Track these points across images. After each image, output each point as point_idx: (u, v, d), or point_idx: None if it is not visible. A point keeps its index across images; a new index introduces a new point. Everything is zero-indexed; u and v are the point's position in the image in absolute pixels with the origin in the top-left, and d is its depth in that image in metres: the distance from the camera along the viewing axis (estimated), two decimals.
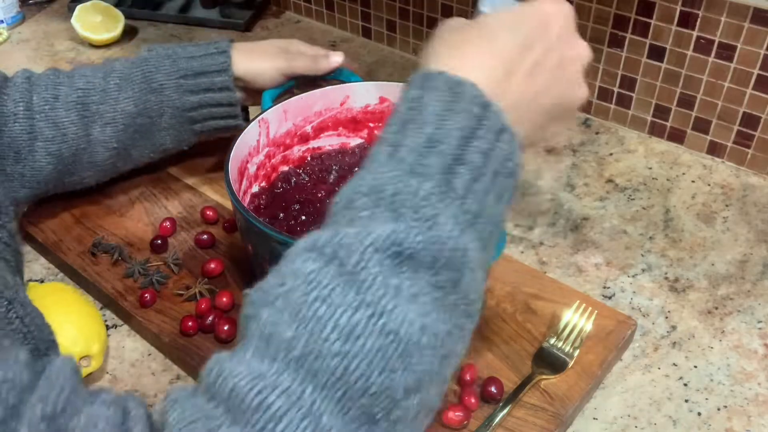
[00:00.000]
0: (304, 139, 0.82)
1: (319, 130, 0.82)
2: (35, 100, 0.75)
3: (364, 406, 0.34)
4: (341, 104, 0.82)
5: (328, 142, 0.84)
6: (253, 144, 0.76)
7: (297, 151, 0.82)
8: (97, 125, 0.77)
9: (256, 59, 0.80)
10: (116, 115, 0.77)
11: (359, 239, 0.36)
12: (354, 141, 0.84)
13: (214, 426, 0.34)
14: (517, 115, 0.41)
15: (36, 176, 0.76)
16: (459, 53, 0.42)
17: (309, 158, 0.82)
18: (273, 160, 0.80)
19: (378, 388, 0.34)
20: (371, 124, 0.83)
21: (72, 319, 0.66)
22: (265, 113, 0.77)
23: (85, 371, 0.65)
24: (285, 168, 0.81)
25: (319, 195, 0.76)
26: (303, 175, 0.80)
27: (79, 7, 1.22)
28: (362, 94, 0.82)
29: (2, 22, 1.28)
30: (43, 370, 0.35)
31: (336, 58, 0.83)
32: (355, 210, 0.38)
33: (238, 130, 0.81)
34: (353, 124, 0.83)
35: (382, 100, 0.82)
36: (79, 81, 0.77)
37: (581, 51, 0.46)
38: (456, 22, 0.45)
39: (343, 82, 0.83)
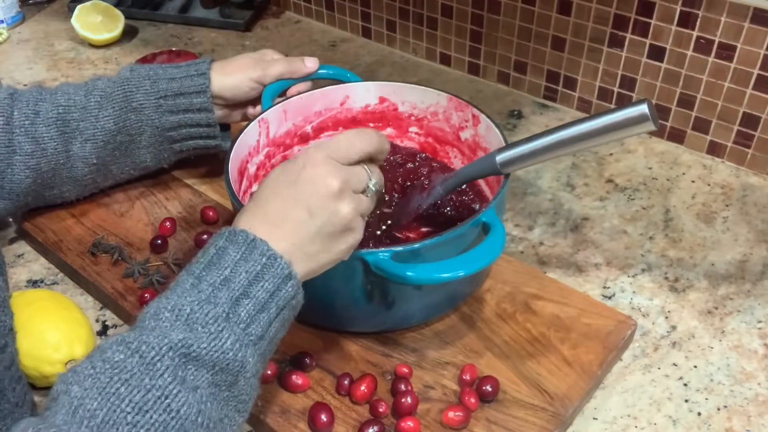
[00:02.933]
0: (304, 139, 0.82)
1: (319, 130, 0.82)
2: (16, 115, 0.76)
3: None
4: (341, 104, 0.82)
5: None
6: (253, 144, 0.76)
7: (297, 151, 0.82)
8: (77, 141, 0.78)
9: (230, 74, 0.81)
10: (96, 132, 0.78)
11: (159, 340, 0.46)
12: None
13: None
14: (295, 249, 0.53)
15: (15, 189, 0.77)
16: (265, 221, 0.53)
17: None
18: (273, 160, 0.80)
19: None
20: (371, 124, 0.83)
21: (54, 326, 0.66)
22: (265, 113, 0.77)
23: None
24: None
25: None
26: None
27: (79, 7, 1.22)
28: (362, 94, 0.82)
29: (2, 22, 1.29)
30: None
31: (310, 64, 0.84)
32: (159, 320, 0.48)
33: (218, 151, 0.84)
34: (353, 124, 0.83)
35: (381, 100, 0.82)
36: (60, 98, 0.78)
37: (327, 189, 0.54)
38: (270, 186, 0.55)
39: (343, 82, 0.83)
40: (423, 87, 0.80)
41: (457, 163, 0.81)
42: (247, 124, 0.74)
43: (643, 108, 0.57)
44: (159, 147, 0.82)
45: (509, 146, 0.65)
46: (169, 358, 0.45)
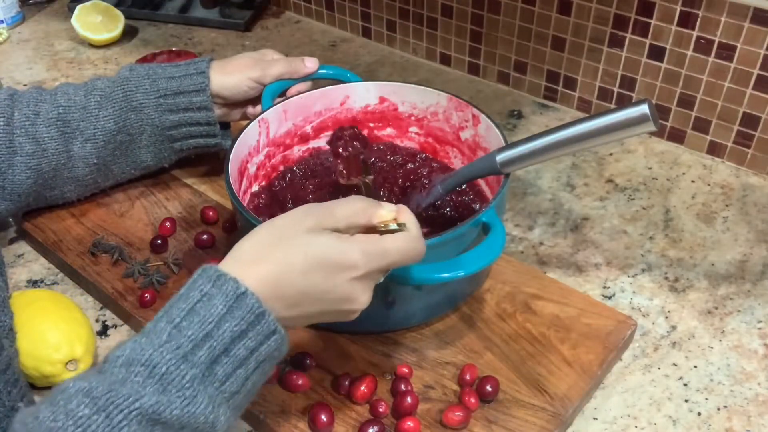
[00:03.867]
0: (304, 139, 0.82)
1: (319, 130, 0.82)
2: (16, 116, 0.76)
3: None
4: (341, 104, 0.82)
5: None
6: (252, 144, 0.76)
7: (297, 151, 0.82)
8: (77, 141, 0.78)
9: (230, 74, 0.81)
10: (96, 132, 0.78)
11: (129, 402, 0.43)
12: None
13: None
14: (290, 319, 0.51)
15: (16, 190, 0.77)
16: (262, 264, 0.50)
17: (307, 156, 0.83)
18: (273, 160, 0.80)
19: None
20: (371, 124, 0.83)
21: (54, 326, 0.66)
22: (265, 113, 0.77)
23: (73, 374, 0.65)
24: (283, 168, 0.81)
25: (308, 189, 0.76)
26: (297, 170, 0.80)
27: (79, 7, 1.22)
28: (362, 94, 0.82)
29: (2, 22, 1.29)
30: None
31: (310, 64, 0.84)
32: (131, 373, 0.45)
33: (218, 149, 0.84)
34: (353, 123, 0.83)
35: (382, 100, 0.82)
36: (60, 98, 0.79)
37: (358, 307, 0.53)
38: (274, 227, 0.51)
39: (343, 82, 0.83)
40: (423, 87, 0.80)
41: (457, 163, 0.81)
42: (247, 124, 0.74)
43: (644, 108, 0.57)
44: (159, 146, 0.82)
45: (509, 146, 0.65)
46: (137, 422, 0.43)
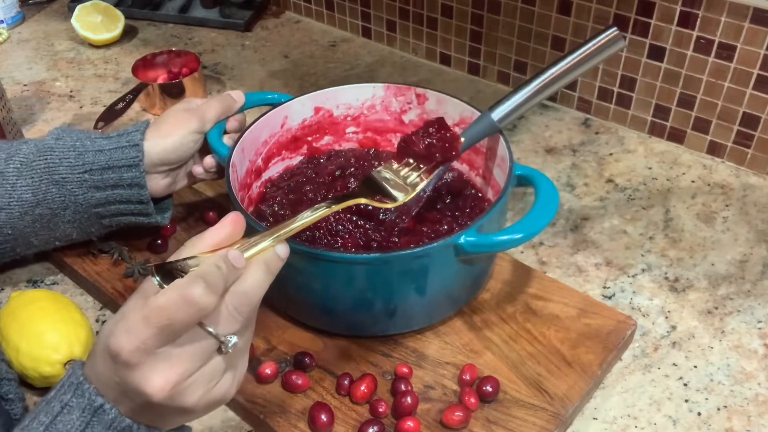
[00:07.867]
0: (258, 173, 0.78)
1: (267, 160, 0.79)
2: None
3: None
4: (282, 126, 0.78)
5: (276, 170, 0.80)
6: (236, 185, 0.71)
7: (255, 188, 0.78)
8: None
9: (170, 134, 0.73)
10: (12, 202, 0.71)
11: None
12: (296, 160, 0.81)
13: None
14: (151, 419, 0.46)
15: None
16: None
17: (265, 191, 0.78)
18: (244, 204, 0.74)
19: None
20: (309, 138, 0.81)
21: (53, 327, 0.66)
22: (232, 157, 0.71)
23: None
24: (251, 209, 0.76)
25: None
26: (263, 208, 0.75)
27: (79, 7, 1.22)
28: (299, 110, 0.79)
29: (2, 22, 1.29)
30: None
31: (237, 96, 0.78)
32: None
33: (156, 225, 0.77)
34: (294, 143, 0.80)
35: (316, 110, 0.79)
36: None
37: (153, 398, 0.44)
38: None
39: (281, 103, 0.79)
40: (356, 84, 0.79)
41: None
42: (227, 171, 0.69)
43: (615, 30, 0.65)
44: (85, 222, 0.74)
45: (499, 102, 0.68)
46: None
